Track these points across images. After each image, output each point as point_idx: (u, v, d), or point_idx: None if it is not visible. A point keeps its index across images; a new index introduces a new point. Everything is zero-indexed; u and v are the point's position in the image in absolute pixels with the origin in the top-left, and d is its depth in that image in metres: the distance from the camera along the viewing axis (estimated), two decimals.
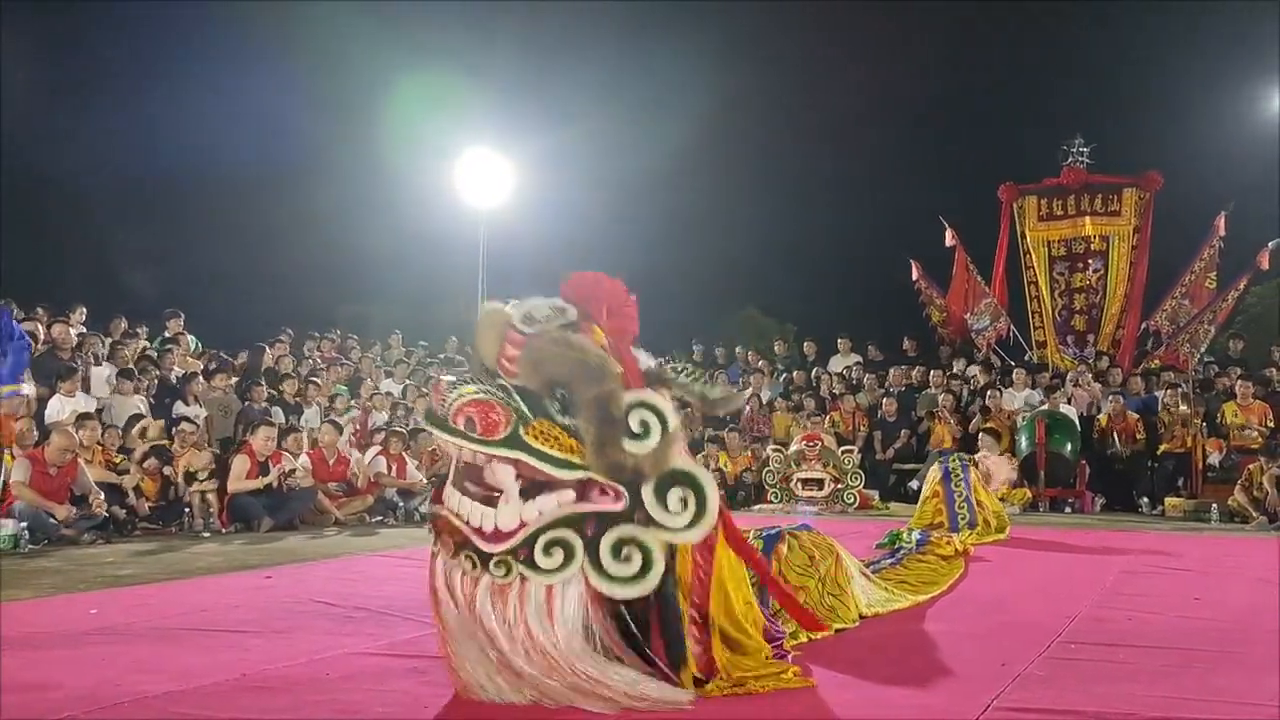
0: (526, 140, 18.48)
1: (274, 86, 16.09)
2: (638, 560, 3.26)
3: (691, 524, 3.28)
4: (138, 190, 16.29)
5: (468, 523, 3.29)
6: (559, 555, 3.23)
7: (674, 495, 3.28)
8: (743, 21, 18.35)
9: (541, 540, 3.24)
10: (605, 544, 3.26)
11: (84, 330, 11.49)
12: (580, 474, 3.31)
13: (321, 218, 17.05)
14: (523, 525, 3.26)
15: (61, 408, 9.40)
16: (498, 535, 3.26)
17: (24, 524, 7.71)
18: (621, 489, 3.29)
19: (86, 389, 10.12)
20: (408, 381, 13.76)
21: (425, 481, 10.88)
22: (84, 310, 11.91)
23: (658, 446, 3.29)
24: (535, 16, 17.81)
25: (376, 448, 10.96)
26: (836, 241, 17.90)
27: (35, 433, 8.66)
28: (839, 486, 12.21)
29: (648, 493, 3.28)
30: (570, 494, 3.31)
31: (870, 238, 17.71)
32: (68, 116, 16.05)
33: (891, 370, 14.95)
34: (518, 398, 3.32)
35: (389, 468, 10.75)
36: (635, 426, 3.30)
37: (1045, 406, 12.99)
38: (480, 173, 18.32)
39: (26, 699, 3.42)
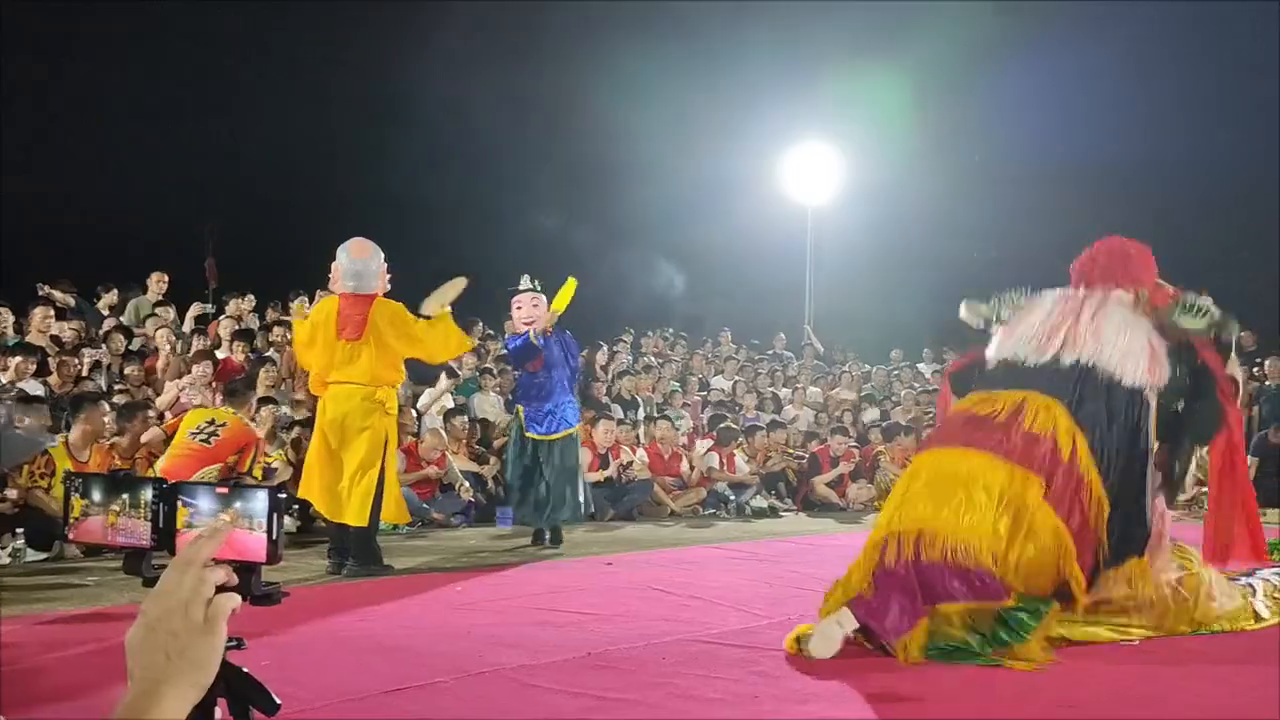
0: (857, 133, 18.14)
1: (595, 86, 16.80)
2: None
3: None
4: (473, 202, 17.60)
5: None
6: None
7: None
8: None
9: None
10: None
11: None
12: None
13: (657, 218, 17.68)
14: None
15: (429, 402, 10.34)
16: None
17: None
18: None
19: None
20: (737, 378, 14.02)
21: (757, 476, 11.06)
22: None
23: None
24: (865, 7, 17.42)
25: (708, 443, 11.26)
26: (1207, 222, 16.17)
27: (416, 422, 9.63)
28: None
29: None
30: None
31: (1241, 218, 15.88)
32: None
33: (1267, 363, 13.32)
34: None
35: (720, 463, 11.01)
36: None
37: None
38: (808, 168, 18.31)
39: (399, 663, 3.84)
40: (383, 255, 6.30)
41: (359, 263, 6.17)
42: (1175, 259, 4.80)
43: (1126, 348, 4.22)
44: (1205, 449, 4.57)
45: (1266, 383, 13.09)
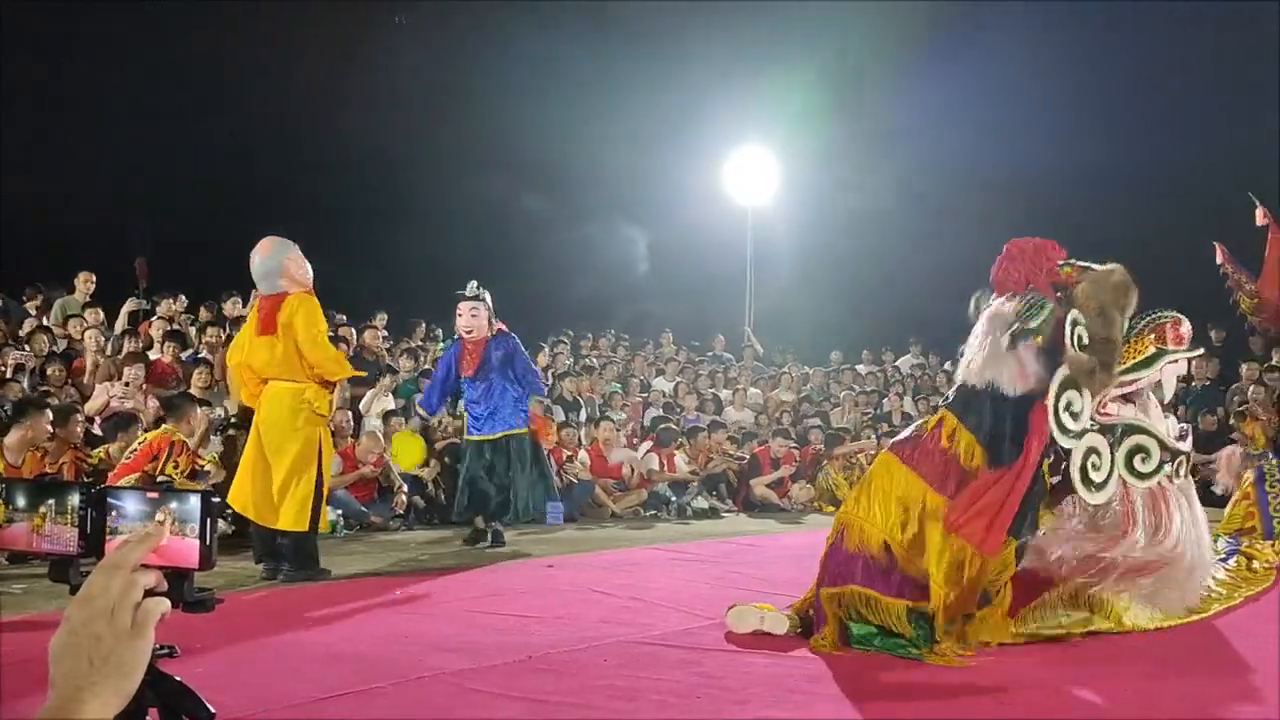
0: (794, 137, 18.31)
1: (541, 89, 16.82)
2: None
3: None
4: (414, 203, 17.52)
5: None
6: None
7: None
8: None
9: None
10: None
11: (387, 334, 12.44)
12: None
13: (600, 218, 17.70)
14: None
15: (368, 405, 10.21)
16: None
17: (339, 511, 8.54)
18: None
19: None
20: (679, 379, 14.05)
21: (697, 475, 11.08)
22: (385, 316, 12.91)
23: None
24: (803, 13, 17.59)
25: (649, 444, 11.26)
26: (1129, 226, 16.58)
27: (352, 425, 9.49)
28: None
29: None
30: None
31: (1160, 222, 16.29)
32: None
33: (1193, 362, 13.75)
34: None
35: (660, 464, 11.02)
36: None
37: None
38: (748, 169, 18.42)
39: (337, 669, 3.79)
40: (290, 249, 6.14)
41: (259, 262, 6.13)
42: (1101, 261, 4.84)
43: (997, 361, 4.29)
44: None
45: (1193, 384, 13.43)
